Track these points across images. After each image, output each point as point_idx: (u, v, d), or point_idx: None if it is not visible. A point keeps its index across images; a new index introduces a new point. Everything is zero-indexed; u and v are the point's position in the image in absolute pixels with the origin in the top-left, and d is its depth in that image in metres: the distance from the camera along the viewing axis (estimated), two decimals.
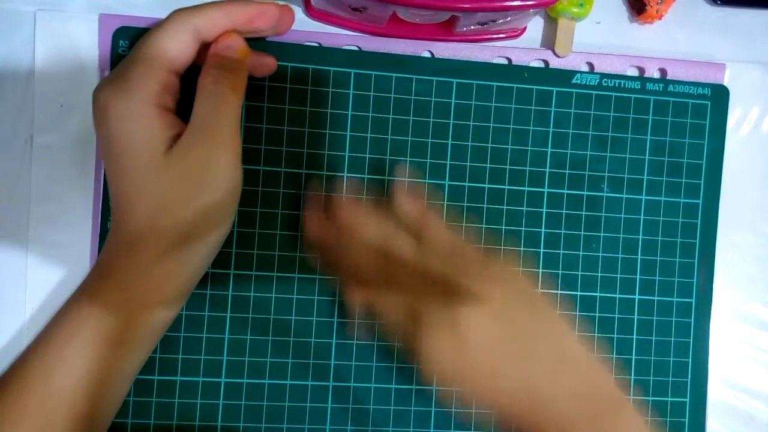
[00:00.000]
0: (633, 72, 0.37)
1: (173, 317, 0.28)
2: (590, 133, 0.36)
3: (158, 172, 0.26)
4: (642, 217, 0.36)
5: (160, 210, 0.26)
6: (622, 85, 0.36)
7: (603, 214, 0.36)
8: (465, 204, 0.35)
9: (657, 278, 0.36)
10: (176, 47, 0.27)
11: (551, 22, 0.36)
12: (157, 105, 0.27)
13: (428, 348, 0.27)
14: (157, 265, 0.26)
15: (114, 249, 0.27)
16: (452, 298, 0.27)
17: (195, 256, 0.27)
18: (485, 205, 0.35)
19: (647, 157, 0.37)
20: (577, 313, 0.36)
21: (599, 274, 0.36)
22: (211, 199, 0.27)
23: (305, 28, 0.35)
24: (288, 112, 0.34)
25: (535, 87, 0.36)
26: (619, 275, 0.36)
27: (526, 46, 0.36)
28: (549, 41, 0.36)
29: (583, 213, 0.36)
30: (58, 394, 0.25)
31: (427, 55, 0.35)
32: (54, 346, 0.26)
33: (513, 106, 0.36)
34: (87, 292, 0.27)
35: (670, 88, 0.37)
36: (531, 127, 0.36)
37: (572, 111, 0.36)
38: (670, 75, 0.37)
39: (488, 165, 0.35)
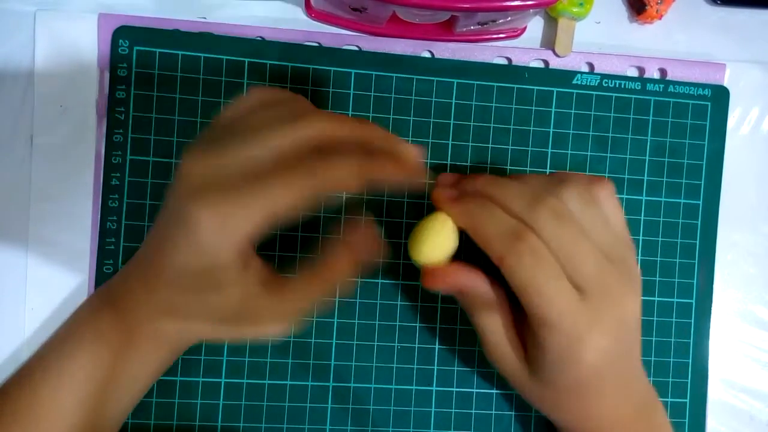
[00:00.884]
0: (633, 72, 0.37)
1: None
2: (590, 133, 0.36)
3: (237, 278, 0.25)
4: (642, 217, 0.36)
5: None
6: (623, 86, 0.36)
7: None
8: None
9: (657, 279, 0.36)
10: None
11: (551, 22, 0.36)
12: (243, 251, 0.25)
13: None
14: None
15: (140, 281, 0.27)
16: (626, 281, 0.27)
17: None
18: None
19: (647, 157, 0.37)
20: None
21: None
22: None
23: (305, 28, 0.35)
24: None
25: (535, 87, 0.36)
26: None
27: (526, 46, 0.36)
28: (549, 41, 0.36)
29: None
30: (71, 403, 0.26)
31: (427, 55, 0.35)
32: (69, 353, 0.26)
33: (513, 106, 0.36)
34: (109, 303, 0.27)
35: (671, 88, 0.37)
36: (531, 128, 0.36)
37: (572, 111, 0.36)
38: (670, 75, 0.37)
39: (489, 165, 0.35)
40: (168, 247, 0.25)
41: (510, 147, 0.36)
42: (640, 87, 0.36)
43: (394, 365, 0.35)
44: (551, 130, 0.36)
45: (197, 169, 0.24)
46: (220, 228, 0.23)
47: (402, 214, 0.35)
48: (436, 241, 0.28)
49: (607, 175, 0.36)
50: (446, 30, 0.35)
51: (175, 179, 0.24)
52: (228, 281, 0.25)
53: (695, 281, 0.37)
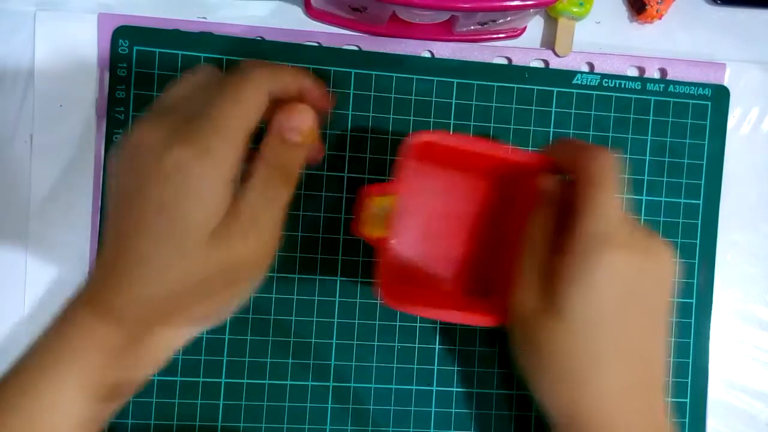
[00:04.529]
0: (633, 72, 0.37)
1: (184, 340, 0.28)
2: (591, 133, 0.36)
3: (199, 251, 0.24)
4: (642, 217, 0.36)
5: (183, 286, 0.25)
6: (623, 86, 0.36)
7: None
8: None
9: None
10: (256, 117, 0.26)
11: (551, 22, 0.36)
12: (232, 180, 0.25)
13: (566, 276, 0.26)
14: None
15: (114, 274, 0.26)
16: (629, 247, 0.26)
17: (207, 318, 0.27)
18: None
19: (648, 157, 0.37)
20: None
21: None
22: (237, 292, 0.27)
23: (305, 28, 0.35)
24: None
25: (535, 87, 0.36)
26: None
27: (526, 46, 0.36)
28: (549, 41, 0.36)
29: None
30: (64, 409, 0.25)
31: (427, 55, 0.35)
32: (59, 357, 0.25)
33: (514, 106, 0.36)
34: (91, 304, 0.26)
35: (671, 88, 0.37)
36: (532, 128, 0.36)
37: (573, 111, 0.36)
38: (670, 75, 0.37)
39: None
40: (163, 216, 0.24)
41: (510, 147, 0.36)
42: (640, 87, 0.36)
43: (394, 365, 0.35)
44: (551, 130, 0.36)
45: (154, 132, 0.24)
46: (211, 166, 0.24)
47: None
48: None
49: None
50: (446, 30, 0.35)
51: (127, 153, 0.25)
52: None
53: (695, 281, 0.37)
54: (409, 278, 0.33)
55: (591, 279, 0.26)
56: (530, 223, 0.30)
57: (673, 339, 0.37)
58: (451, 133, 0.31)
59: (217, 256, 0.25)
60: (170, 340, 0.27)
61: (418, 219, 0.33)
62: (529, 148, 0.36)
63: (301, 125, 0.26)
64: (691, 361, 0.37)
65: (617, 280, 0.26)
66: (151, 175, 0.24)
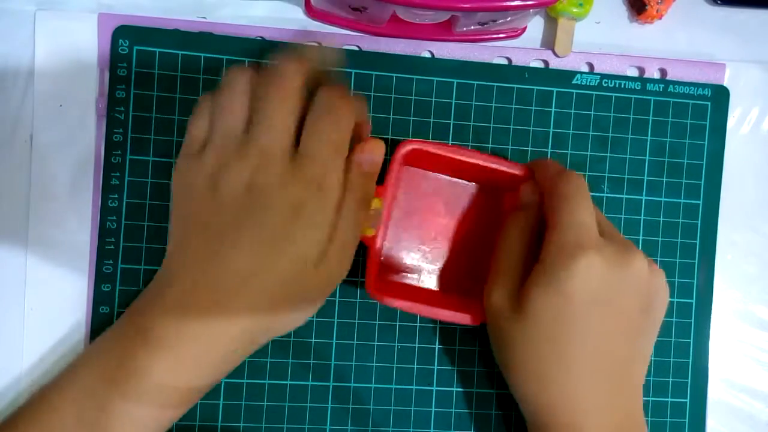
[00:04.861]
0: (633, 72, 0.37)
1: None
2: (590, 133, 0.36)
3: (308, 272, 0.27)
4: (642, 217, 0.36)
5: (281, 303, 0.28)
6: (623, 86, 0.36)
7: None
8: None
9: None
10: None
11: (551, 22, 0.36)
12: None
13: (531, 286, 0.28)
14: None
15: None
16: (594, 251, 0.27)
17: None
18: None
19: (647, 157, 0.37)
20: None
21: None
22: (314, 309, 0.30)
23: (305, 28, 0.35)
24: None
25: (535, 87, 0.36)
26: None
27: (526, 46, 0.36)
28: (549, 41, 0.36)
29: None
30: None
31: (427, 55, 0.35)
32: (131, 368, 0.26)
33: (513, 106, 0.36)
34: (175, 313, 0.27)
35: (671, 88, 0.37)
36: (531, 128, 0.36)
37: (572, 111, 0.36)
38: (670, 75, 0.37)
39: None
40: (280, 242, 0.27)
41: (510, 147, 0.36)
42: (640, 87, 0.36)
43: (394, 365, 0.35)
44: (551, 130, 0.36)
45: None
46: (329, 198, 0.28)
47: None
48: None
49: (607, 174, 0.36)
50: (446, 30, 0.35)
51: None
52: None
53: (695, 281, 0.37)
54: (397, 277, 0.34)
55: (558, 283, 0.27)
56: (508, 225, 0.31)
57: (673, 339, 0.37)
58: (438, 142, 0.32)
59: (317, 278, 0.28)
60: (244, 352, 0.28)
61: (409, 221, 0.34)
62: (529, 149, 0.36)
63: (377, 158, 0.29)
64: (691, 361, 0.37)
65: (585, 286, 0.27)
66: (268, 206, 0.27)
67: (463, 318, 0.31)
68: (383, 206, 0.30)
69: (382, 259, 0.34)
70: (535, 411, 0.30)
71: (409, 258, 0.34)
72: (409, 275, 0.34)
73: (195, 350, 0.26)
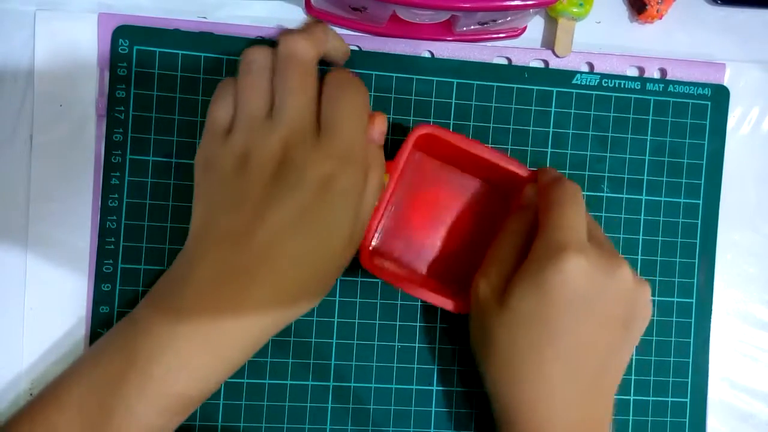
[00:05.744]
0: (633, 72, 0.37)
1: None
2: (590, 133, 0.36)
3: (342, 253, 0.29)
4: (642, 217, 0.37)
5: (309, 283, 0.29)
6: (622, 86, 0.36)
7: (603, 215, 0.36)
8: None
9: (657, 278, 0.36)
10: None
11: (551, 22, 0.36)
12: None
13: (516, 283, 0.28)
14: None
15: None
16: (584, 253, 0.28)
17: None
18: None
19: (647, 157, 0.37)
20: None
21: None
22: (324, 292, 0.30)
23: None
24: None
25: (535, 87, 0.36)
26: None
27: (526, 46, 0.36)
28: (549, 41, 0.36)
29: None
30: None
31: (427, 55, 0.35)
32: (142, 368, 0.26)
33: (513, 106, 0.36)
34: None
35: (671, 88, 0.37)
36: (531, 128, 0.36)
37: (572, 111, 0.36)
38: (670, 75, 0.37)
39: None
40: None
41: (510, 147, 0.36)
42: (639, 87, 0.36)
43: (394, 365, 0.35)
44: (551, 129, 0.36)
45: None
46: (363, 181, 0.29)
47: None
48: None
49: (606, 174, 0.36)
50: (446, 30, 0.35)
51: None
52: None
53: (695, 281, 0.37)
54: (394, 258, 0.34)
55: (541, 279, 0.27)
56: (506, 222, 0.32)
57: (673, 339, 0.37)
58: (454, 132, 0.32)
59: (343, 255, 0.29)
60: (266, 338, 0.29)
61: (410, 204, 0.34)
62: (528, 149, 0.36)
63: (384, 128, 0.30)
64: (691, 361, 0.37)
65: (566, 286, 0.27)
66: (356, 198, 0.28)
67: (445, 303, 0.31)
68: (389, 181, 0.31)
69: (377, 239, 0.34)
70: (502, 408, 0.30)
71: (404, 241, 0.34)
72: (402, 258, 0.34)
73: (217, 341, 0.26)
